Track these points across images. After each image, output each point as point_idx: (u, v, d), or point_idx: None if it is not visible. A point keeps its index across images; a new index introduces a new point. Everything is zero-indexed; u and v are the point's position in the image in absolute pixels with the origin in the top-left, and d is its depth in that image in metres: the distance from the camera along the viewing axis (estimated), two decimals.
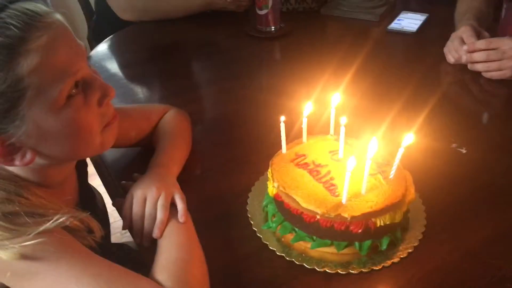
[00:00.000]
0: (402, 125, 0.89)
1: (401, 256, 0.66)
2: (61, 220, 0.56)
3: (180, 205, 0.69)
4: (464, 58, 1.11)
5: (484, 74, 1.10)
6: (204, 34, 1.46)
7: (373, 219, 0.63)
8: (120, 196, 0.74)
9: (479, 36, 1.11)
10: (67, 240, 0.57)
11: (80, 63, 0.59)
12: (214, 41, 1.43)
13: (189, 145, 0.87)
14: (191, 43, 1.42)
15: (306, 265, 0.65)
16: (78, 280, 0.55)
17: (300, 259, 0.66)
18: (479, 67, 1.10)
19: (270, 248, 0.68)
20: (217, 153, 0.91)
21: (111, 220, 0.93)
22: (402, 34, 1.38)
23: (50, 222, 0.56)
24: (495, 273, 0.64)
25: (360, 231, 0.63)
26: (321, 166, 0.70)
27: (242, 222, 0.72)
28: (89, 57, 1.32)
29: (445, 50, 1.19)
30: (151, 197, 0.69)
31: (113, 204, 0.75)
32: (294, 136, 0.76)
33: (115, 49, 1.42)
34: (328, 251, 0.66)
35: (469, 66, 1.12)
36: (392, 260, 0.65)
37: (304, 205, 0.64)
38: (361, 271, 0.64)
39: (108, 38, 1.43)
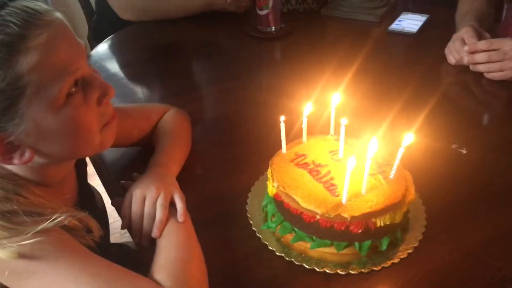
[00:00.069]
0: (402, 125, 0.89)
1: (401, 257, 0.66)
2: (59, 219, 0.56)
3: (179, 204, 0.69)
4: (466, 60, 1.11)
5: (485, 75, 1.10)
6: (204, 34, 1.46)
7: (373, 219, 0.63)
8: (119, 196, 0.74)
9: (480, 37, 1.11)
10: (65, 239, 0.57)
11: (80, 61, 0.58)
12: (214, 41, 1.43)
13: (189, 145, 0.87)
14: (191, 43, 1.42)
15: (305, 265, 0.65)
16: (76, 279, 0.54)
17: (299, 259, 0.66)
18: (480, 68, 1.10)
19: (270, 248, 0.68)
20: (217, 153, 0.91)
21: (110, 220, 0.92)
22: (402, 35, 1.37)
23: (49, 221, 0.55)
24: (495, 274, 0.63)
25: (360, 231, 0.63)
26: (321, 166, 0.69)
27: (241, 222, 0.72)
28: (89, 57, 1.32)
29: (446, 51, 1.19)
30: (150, 197, 0.69)
31: (112, 204, 0.75)
32: (294, 136, 0.76)
33: (115, 49, 1.42)
34: (327, 251, 0.66)
35: (471, 67, 1.12)
36: (392, 261, 0.65)
37: (304, 205, 0.63)
38: (361, 272, 0.64)
39: (108, 38, 1.44)
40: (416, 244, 0.67)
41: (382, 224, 0.63)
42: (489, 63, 1.08)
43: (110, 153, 0.88)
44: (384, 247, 0.66)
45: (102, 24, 1.65)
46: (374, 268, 0.64)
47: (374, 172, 0.67)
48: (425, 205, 0.73)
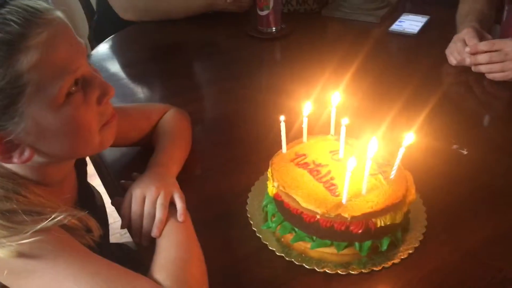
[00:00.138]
0: (402, 125, 0.88)
1: (402, 257, 0.65)
2: (59, 218, 0.56)
3: (179, 204, 0.69)
4: (468, 61, 1.11)
5: (487, 75, 1.10)
6: (204, 34, 1.46)
7: (373, 220, 0.63)
8: (119, 196, 0.74)
9: (481, 38, 1.11)
10: (65, 238, 0.57)
11: (80, 60, 0.58)
12: (214, 42, 1.43)
13: (188, 145, 0.87)
14: (192, 43, 1.42)
15: (305, 266, 0.65)
16: (76, 278, 0.54)
17: (299, 259, 0.65)
18: (482, 68, 1.10)
19: (270, 248, 0.67)
20: (217, 152, 0.91)
21: (111, 220, 0.92)
22: (403, 36, 1.37)
23: (48, 220, 0.55)
24: (495, 274, 0.63)
25: (360, 231, 0.63)
26: (322, 165, 0.69)
27: (241, 222, 0.72)
28: (89, 57, 1.32)
29: (447, 52, 1.19)
30: (150, 196, 0.69)
31: (112, 203, 0.75)
32: (294, 136, 0.75)
33: (116, 49, 1.42)
34: (328, 252, 0.66)
35: (473, 68, 1.12)
36: (392, 261, 0.65)
37: (304, 204, 0.63)
38: (361, 272, 0.64)
39: (109, 38, 1.43)
40: (416, 245, 0.67)
41: (382, 224, 0.63)
42: (490, 64, 1.08)
43: (110, 153, 0.88)
44: (384, 247, 0.66)
45: (102, 24, 1.65)
46: (375, 269, 0.64)
47: (375, 172, 0.67)
48: (425, 205, 0.73)
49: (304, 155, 0.72)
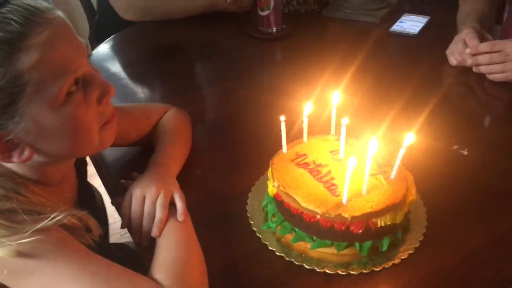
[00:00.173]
0: (403, 126, 0.88)
1: (402, 257, 0.65)
2: (59, 218, 0.56)
3: (179, 204, 0.69)
4: (469, 62, 1.11)
5: (488, 76, 1.10)
6: (205, 34, 1.46)
7: (373, 220, 0.63)
8: (119, 196, 0.74)
9: (482, 39, 1.11)
10: (65, 238, 0.57)
11: (80, 60, 0.58)
12: (215, 42, 1.43)
13: (189, 145, 0.87)
14: (192, 43, 1.42)
15: (305, 266, 0.65)
16: (75, 278, 0.54)
17: (299, 259, 0.65)
18: (482, 69, 1.10)
19: (270, 248, 0.67)
20: (217, 153, 0.91)
21: (111, 220, 0.92)
22: (403, 36, 1.37)
23: (48, 219, 0.55)
24: (495, 275, 0.63)
25: (360, 231, 0.63)
26: (322, 166, 0.69)
27: (241, 222, 0.72)
28: (90, 56, 1.32)
29: (448, 52, 1.19)
30: (150, 196, 0.69)
31: (112, 203, 0.75)
32: (294, 136, 0.75)
33: (116, 49, 1.42)
34: (328, 252, 0.66)
35: (474, 68, 1.12)
36: (392, 261, 0.65)
37: (304, 204, 0.63)
38: (361, 272, 0.64)
39: (109, 38, 1.44)
40: (417, 245, 0.67)
41: (382, 225, 0.63)
42: (490, 65, 1.08)
43: (111, 153, 0.88)
44: (384, 247, 0.65)
45: (103, 24, 1.65)
46: (375, 269, 0.64)
47: (375, 172, 0.67)
48: (426, 205, 0.73)
49: (305, 155, 0.72)
